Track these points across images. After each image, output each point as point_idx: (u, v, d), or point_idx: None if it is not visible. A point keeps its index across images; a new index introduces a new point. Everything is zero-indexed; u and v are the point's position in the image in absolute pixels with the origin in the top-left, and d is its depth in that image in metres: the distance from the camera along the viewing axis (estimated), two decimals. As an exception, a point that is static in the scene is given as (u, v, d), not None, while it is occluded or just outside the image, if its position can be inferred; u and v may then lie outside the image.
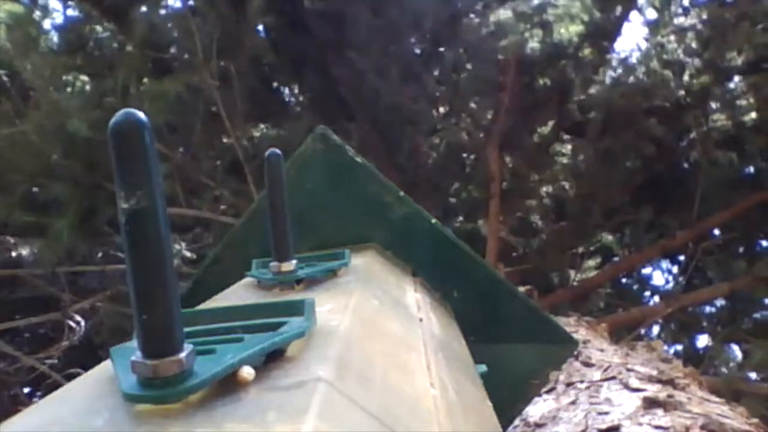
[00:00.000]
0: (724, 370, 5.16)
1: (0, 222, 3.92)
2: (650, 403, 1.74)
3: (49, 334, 4.65)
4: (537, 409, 1.99)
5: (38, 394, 4.59)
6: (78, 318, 4.15)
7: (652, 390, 1.89)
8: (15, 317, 4.69)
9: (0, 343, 4.13)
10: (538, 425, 1.87)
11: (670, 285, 6.17)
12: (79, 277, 4.61)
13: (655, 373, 2.09)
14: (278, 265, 0.79)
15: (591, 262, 6.24)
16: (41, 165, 3.90)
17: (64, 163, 3.94)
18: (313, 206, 1.08)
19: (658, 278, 6.45)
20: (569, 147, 5.83)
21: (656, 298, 6.21)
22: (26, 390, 4.64)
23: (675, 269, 6.24)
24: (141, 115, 0.39)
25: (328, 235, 1.09)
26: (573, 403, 1.93)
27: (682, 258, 5.84)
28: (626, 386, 1.97)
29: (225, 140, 4.66)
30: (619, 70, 5.22)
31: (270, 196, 0.79)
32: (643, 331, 5.18)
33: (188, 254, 4.48)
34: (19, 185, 3.92)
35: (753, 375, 5.02)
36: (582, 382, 2.11)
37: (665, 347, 5.37)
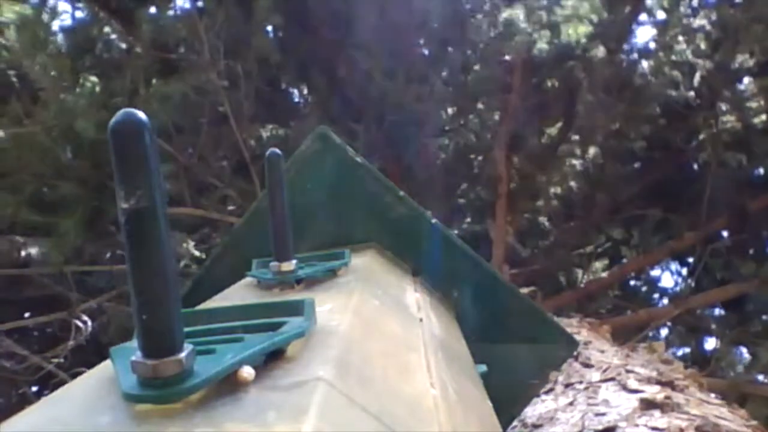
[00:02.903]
0: (731, 372, 5.13)
1: (8, 221, 3.94)
2: (647, 405, 1.73)
3: (57, 333, 4.67)
4: (535, 409, 1.98)
5: (46, 392, 4.61)
6: (85, 318, 4.17)
7: (651, 391, 1.88)
8: (23, 316, 4.72)
9: (8, 342, 4.14)
10: (536, 426, 1.86)
11: (679, 287, 6.13)
12: (87, 276, 4.62)
13: (654, 374, 2.08)
14: (278, 265, 0.79)
15: (599, 264, 6.22)
16: (49, 165, 3.92)
17: (72, 163, 3.96)
18: (314, 206, 1.08)
19: (667, 280, 6.41)
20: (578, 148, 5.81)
21: (664, 300, 6.18)
22: (34, 389, 4.66)
23: (684, 271, 6.21)
24: (141, 115, 0.39)
25: (329, 235, 1.09)
26: (571, 404, 1.92)
27: (690, 260, 5.81)
28: (624, 387, 1.96)
29: (232, 141, 4.67)
30: (629, 71, 5.19)
31: (270, 196, 0.80)
32: (651, 334, 5.16)
33: (197, 254, 4.48)
34: (27, 185, 3.94)
35: (761, 377, 5.00)
36: (581, 383, 2.10)
37: (672, 349, 5.36)
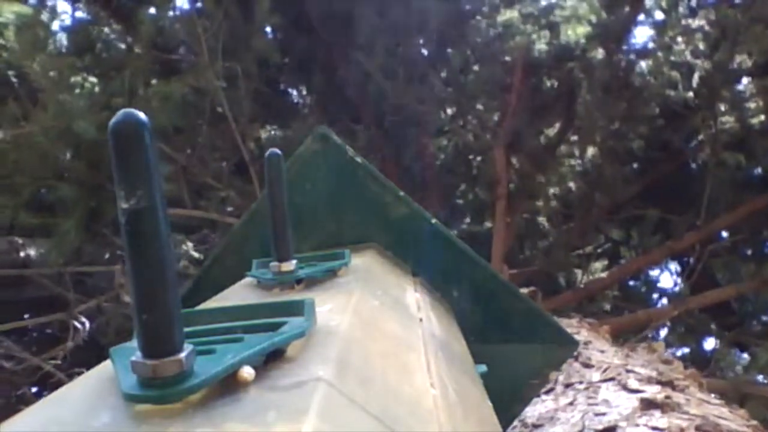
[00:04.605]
0: (730, 373, 5.13)
1: (7, 222, 3.93)
2: (648, 405, 1.73)
3: (56, 334, 4.67)
4: (535, 409, 1.98)
5: (45, 393, 4.60)
6: (83, 319, 4.16)
7: (651, 391, 1.88)
8: (22, 317, 4.71)
9: (7, 342, 4.14)
10: (536, 426, 1.86)
11: (678, 287, 6.14)
12: (86, 277, 4.62)
13: (654, 374, 2.08)
14: (278, 265, 0.79)
15: (598, 264, 6.22)
16: (48, 166, 3.91)
17: (71, 164, 3.95)
18: (313, 206, 1.08)
19: (666, 280, 6.42)
20: (577, 148, 5.82)
21: (663, 301, 6.18)
22: (34, 389, 4.65)
23: (683, 271, 6.20)
24: (141, 115, 0.39)
25: (328, 235, 1.09)
26: (571, 403, 1.92)
27: (689, 260, 5.82)
28: (625, 387, 1.96)
29: (231, 141, 4.67)
30: (627, 71, 5.20)
31: (270, 197, 0.79)
32: (650, 334, 5.16)
33: (195, 255, 4.48)
34: (26, 186, 3.93)
35: (760, 378, 5.00)
36: (581, 383, 2.10)
37: (671, 349, 5.36)
